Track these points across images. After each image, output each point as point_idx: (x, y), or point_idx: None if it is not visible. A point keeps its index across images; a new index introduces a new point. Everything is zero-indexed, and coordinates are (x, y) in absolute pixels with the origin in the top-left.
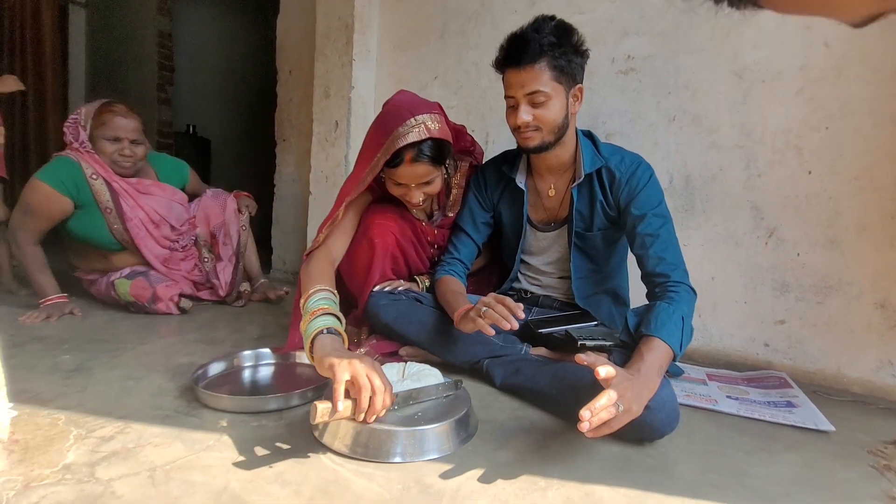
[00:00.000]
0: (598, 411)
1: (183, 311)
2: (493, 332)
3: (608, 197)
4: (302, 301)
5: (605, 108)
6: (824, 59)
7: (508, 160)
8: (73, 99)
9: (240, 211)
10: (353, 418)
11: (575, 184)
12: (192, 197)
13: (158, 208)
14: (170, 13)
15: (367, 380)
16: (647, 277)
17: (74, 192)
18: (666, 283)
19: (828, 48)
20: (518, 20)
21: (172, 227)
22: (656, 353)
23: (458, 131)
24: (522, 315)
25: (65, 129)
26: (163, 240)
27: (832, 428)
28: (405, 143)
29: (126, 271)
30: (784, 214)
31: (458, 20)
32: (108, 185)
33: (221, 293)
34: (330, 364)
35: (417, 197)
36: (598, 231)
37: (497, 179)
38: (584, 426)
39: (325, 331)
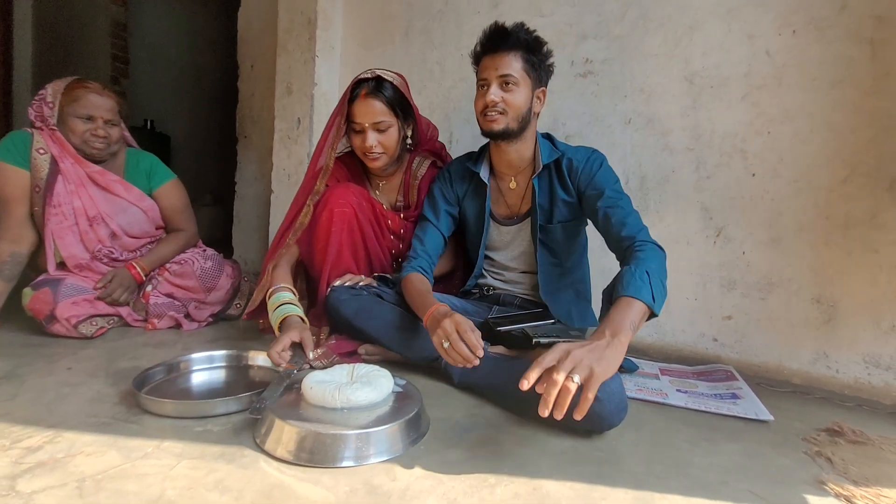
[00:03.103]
0: (550, 390)
1: (84, 336)
2: (460, 364)
3: (567, 185)
4: (268, 294)
5: (565, 110)
6: (766, 67)
7: (472, 158)
8: (17, 92)
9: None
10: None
11: (535, 174)
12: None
13: (104, 205)
14: (125, 2)
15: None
16: (614, 244)
17: (25, 163)
18: (633, 245)
19: (769, 57)
20: (481, 21)
21: (113, 235)
22: (623, 310)
23: (429, 124)
24: (482, 353)
25: (29, 109)
26: (94, 242)
27: (771, 417)
28: (358, 79)
29: (42, 276)
30: (731, 215)
31: (423, 19)
32: (54, 162)
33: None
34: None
35: (373, 140)
36: (557, 223)
37: (462, 175)
38: (545, 412)
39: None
